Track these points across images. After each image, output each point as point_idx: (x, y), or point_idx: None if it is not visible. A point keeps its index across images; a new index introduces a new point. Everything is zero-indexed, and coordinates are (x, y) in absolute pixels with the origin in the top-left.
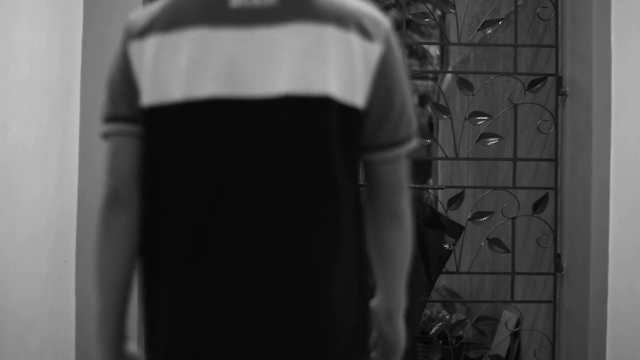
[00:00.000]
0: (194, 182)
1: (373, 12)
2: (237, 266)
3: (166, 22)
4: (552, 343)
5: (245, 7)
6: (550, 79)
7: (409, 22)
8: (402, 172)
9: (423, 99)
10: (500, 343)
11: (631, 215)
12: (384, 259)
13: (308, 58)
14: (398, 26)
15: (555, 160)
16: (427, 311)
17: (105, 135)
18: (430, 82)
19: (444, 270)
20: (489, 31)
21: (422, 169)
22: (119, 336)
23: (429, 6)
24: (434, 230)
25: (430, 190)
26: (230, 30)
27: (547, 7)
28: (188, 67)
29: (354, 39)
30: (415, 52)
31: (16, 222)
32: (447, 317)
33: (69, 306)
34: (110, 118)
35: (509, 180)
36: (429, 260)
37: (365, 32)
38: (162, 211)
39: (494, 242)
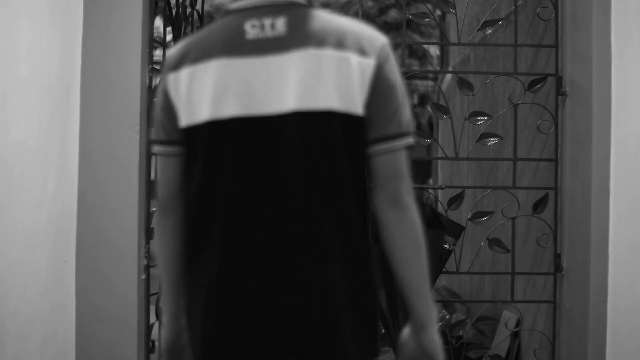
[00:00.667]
0: (222, 189)
1: (369, 31)
2: (261, 261)
3: (196, 55)
4: (552, 343)
5: (259, 39)
6: (550, 79)
7: (409, 22)
8: (397, 163)
9: (423, 99)
10: (500, 343)
11: (631, 215)
12: (395, 255)
13: (312, 79)
14: (398, 26)
15: (555, 160)
16: None
17: (154, 154)
18: (430, 82)
19: (444, 270)
20: (489, 31)
21: (422, 169)
22: (178, 312)
23: (429, 6)
24: (434, 230)
25: (430, 190)
26: (246, 59)
27: (547, 7)
28: (213, 92)
29: (351, 56)
30: (415, 52)
31: (16, 221)
32: (447, 317)
33: (69, 306)
34: (155, 141)
35: (509, 180)
36: (429, 260)
37: (361, 50)
38: (195, 216)
39: (494, 242)
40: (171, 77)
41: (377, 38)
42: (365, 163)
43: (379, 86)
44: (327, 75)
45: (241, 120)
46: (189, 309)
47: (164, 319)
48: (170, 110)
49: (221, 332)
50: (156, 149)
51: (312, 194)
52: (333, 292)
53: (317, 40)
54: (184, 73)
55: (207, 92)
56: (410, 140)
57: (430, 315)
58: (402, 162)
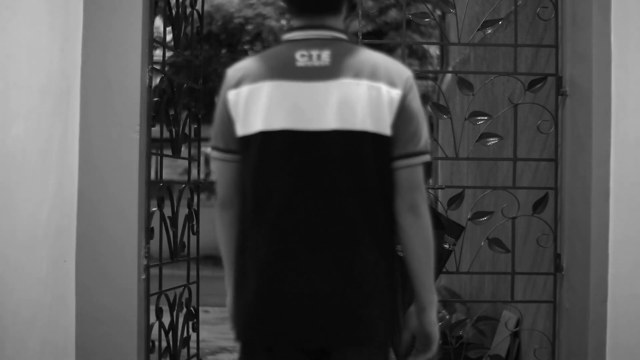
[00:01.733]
0: (272, 188)
1: (397, 65)
2: (303, 249)
3: (254, 76)
4: (552, 343)
5: (307, 67)
6: (550, 79)
7: (409, 22)
8: (415, 176)
9: (423, 99)
10: (500, 343)
11: (631, 215)
12: (408, 252)
13: (350, 104)
14: (398, 26)
15: (555, 160)
16: None
17: (215, 159)
18: (430, 82)
19: (444, 270)
20: (489, 31)
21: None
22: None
23: (429, 6)
24: (434, 231)
25: (430, 190)
26: (296, 83)
27: (547, 7)
28: (267, 108)
29: (382, 87)
30: (415, 52)
31: (16, 222)
32: (447, 317)
33: (69, 306)
34: (215, 148)
35: (509, 180)
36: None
37: (391, 82)
38: (250, 210)
39: (494, 242)
40: (231, 94)
41: (404, 72)
42: (389, 173)
43: (403, 112)
44: (363, 101)
45: (289, 133)
46: (239, 284)
47: (229, 290)
48: (229, 122)
49: (267, 307)
50: (215, 154)
51: (347, 197)
52: (362, 280)
53: (355, 71)
54: (243, 91)
55: (261, 107)
56: (427, 157)
57: (431, 302)
58: (419, 176)
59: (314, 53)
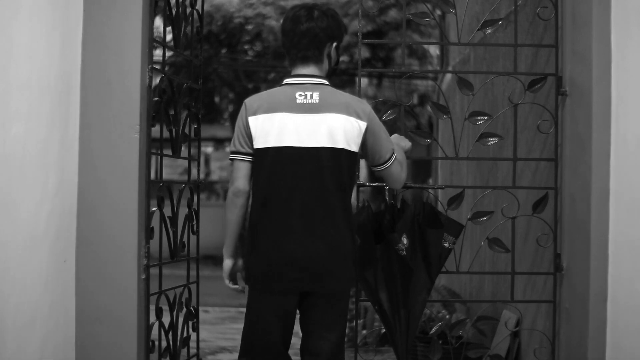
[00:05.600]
0: (280, 185)
1: (362, 103)
2: (300, 227)
3: (267, 108)
4: (552, 343)
5: (304, 103)
6: (550, 79)
7: (409, 22)
8: (390, 173)
9: (423, 99)
10: (500, 343)
11: (631, 215)
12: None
13: (335, 130)
14: (398, 26)
15: (555, 160)
16: (427, 311)
17: (231, 159)
18: (430, 82)
19: (444, 269)
20: (489, 31)
21: (422, 168)
22: (235, 253)
23: (429, 6)
24: (434, 230)
25: (430, 190)
26: (297, 115)
27: (547, 7)
28: (277, 131)
29: (352, 119)
30: (415, 52)
31: (16, 221)
32: (447, 317)
33: (69, 305)
34: (234, 152)
35: (509, 180)
36: (430, 258)
37: (359, 116)
38: (264, 199)
39: (494, 242)
40: (251, 119)
41: (366, 107)
42: (352, 177)
43: (370, 136)
44: (340, 128)
45: (293, 148)
46: (253, 251)
47: (227, 257)
48: (249, 137)
49: (274, 264)
50: (237, 156)
51: (330, 192)
52: (339, 247)
53: (335, 108)
54: (260, 118)
55: (274, 130)
56: (393, 156)
57: (396, 151)
58: (394, 171)
59: (308, 93)
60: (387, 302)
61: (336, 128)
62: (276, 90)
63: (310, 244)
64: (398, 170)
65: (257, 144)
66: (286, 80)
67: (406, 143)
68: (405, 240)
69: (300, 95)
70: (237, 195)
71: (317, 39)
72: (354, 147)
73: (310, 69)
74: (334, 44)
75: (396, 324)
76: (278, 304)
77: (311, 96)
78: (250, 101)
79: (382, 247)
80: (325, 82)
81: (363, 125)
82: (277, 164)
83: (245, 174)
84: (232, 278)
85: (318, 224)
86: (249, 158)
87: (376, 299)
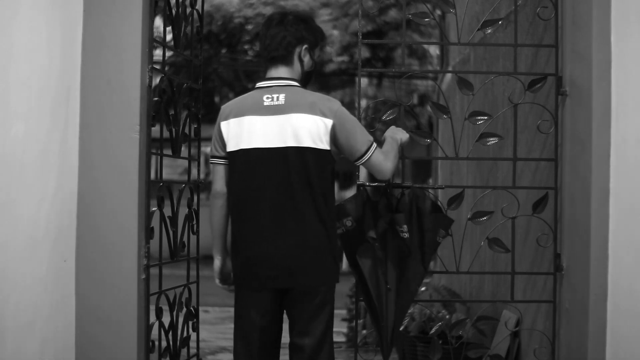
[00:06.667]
0: (249, 186)
1: (330, 102)
2: (272, 225)
3: (237, 113)
4: (552, 343)
5: (270, 105)
6: (550, 79)
7: (409, 22)
8: (371, 164)
9: (423, 99)
10: (500, 343)
11: (631, 215)
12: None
13: (299, 130)
14: (398, 26)
15: (555, 160)
16: (427, 311)
17: (211, 163)
18: (430, 82)
19: (444, 270)
20: (489, 31)
21: (422, 168)
22: (223, 253)
23: (429, 6)
24: (432, 215)
25: (430, 190)
26: (263, 117)
27: (547, 7)
28: (247, 134)
29: (317, 118)
30: (415, 52)
31: (16, 221)
32: (447, 317)
33: (69, 306)
34: (212, 156)
35: (509, 180)
36: (425, 247)
37: (323, 113)
38: (237, 200)
39: (494, 242)
40: (223, 124)
41: (334, 105)
42: (326, 174)
43: (340, 132)
44: (305, 128)
45: (261, 149)
46: (234, 251)
47: (216, 257)
48: (222, 142)
49: (249, 262)
50: (213, 160)
51: (298, 190)
52: (308, 243)
53: (299, 108)
54: (231, 122)
55: (244, 133)
56: (371, 149)
57: (391, 142)
58: (375, 162)
59: (274, 96)
60: (375, 290)
61: (300, 127)
62: (248, 94)
63: (281, 242)
64: (379, 160)
65: (229, 147)
66: (257, 85)
67: (403, 135)
68: (405, 227)
69: (267, 97)
70: (215, 197)
71: (285, 40)
72: (323, 145)
73: (280, 71)
74: (305, 46)
75: (383, 314)
76: (256, 301)
77: (277, 98)
78: (224, 107)
79: (377, 231)
80: (294, 83)
81: (329, 122)
82: (246, 165)
83: (222, 176)
84: (223, 278)
85: (288, 221)
86: (223, 161)
87: (366, 289)
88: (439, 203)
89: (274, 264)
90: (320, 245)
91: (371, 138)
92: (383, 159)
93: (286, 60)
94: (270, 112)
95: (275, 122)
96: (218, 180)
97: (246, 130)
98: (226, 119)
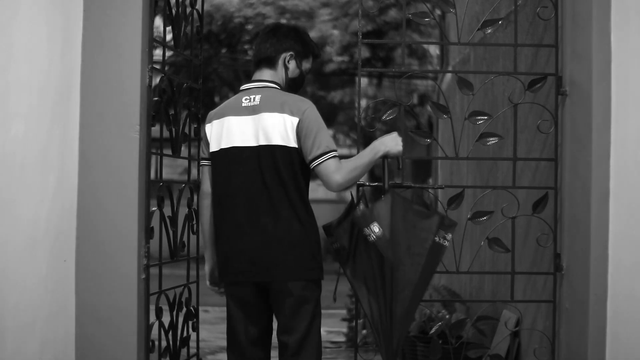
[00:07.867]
0: (227, 184)
1: (300, 102)
2: (248, 223)
3: (219, 115)
4: (552, 343)
5: (247, 106)
6: (550, 79)
7: (408, 22)
8: (325, 169)
9: (423, 99)
10: (500, 343)
11: (631, 215)
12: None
13: (269, 128)
14: (398, 26)
15: (555, 160)
16: (427, 311)
17: (200, 165)
18: (430, 82)
19: (444, 270)
20: (489, 31)
21: (422, 168)
22: (214, 253)
23: (429, 6)
24: (418, 219)
25: (430, 190)
26: (242, 117)
27: (547, 7)
28: (226, 134)
29: (285, 116)
30: (415, 52)
31: (16, 221)
32: (447, 317)
33: (69, 306)
34: (201, 158)
35: (509, 180)
36: (413, 249)
37: (292, 112)
38: (218, 198)
39: (494, 242)
40: (207, 127)
41: (303, 105)
42: (299, 171)
43: (303, 131)
44: (274, 126)
45: (238, 148)
46: (217, 247)
47: (207, 259)
48: (207, 144)
49: (228, 257)
50: (201, 162)
51: (271, 186)
52: (282, 238)
53: (272, 108)
54: (214, 124)
55: (224, 134)
56: (326, 155)
57: (372, 153)
58: (328, 167)
59: (252, 97)
60: (365, 298)
61: (270, 126)
62: (231, 98)
63: (256, 237)
64: (329, 170)
65: (212, 148)
66: (241, 87)
67: (393, 147)
68: (376, 229)
69: (245, 99)
70: (202, 198)
71: (273, 47)
72: (291, 143)
73: (263, 74)
74: (290, 53)
75: (379, 324)
76: (237, 295)
77: (254, 99)
78: (211, 112)
79: (356, 239)
80: (273, 85)
81: (295, 120)
82: (225, 164)
83: (208, 177)
84: (213, 280)
85: (262, 217)
86: (207, 162)
87: (357, 297)
88: (427, 202)
89: (249, 257)
90: (295, 240)
91: (333, 147)
92: (334, 170)
93: (270, 64)
94: (247, 112)
95: (251, 121)
96: (204, 180)
97: (226, 130)
98: (210, 121)
